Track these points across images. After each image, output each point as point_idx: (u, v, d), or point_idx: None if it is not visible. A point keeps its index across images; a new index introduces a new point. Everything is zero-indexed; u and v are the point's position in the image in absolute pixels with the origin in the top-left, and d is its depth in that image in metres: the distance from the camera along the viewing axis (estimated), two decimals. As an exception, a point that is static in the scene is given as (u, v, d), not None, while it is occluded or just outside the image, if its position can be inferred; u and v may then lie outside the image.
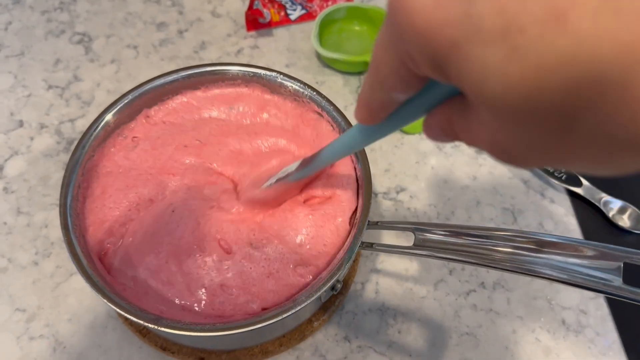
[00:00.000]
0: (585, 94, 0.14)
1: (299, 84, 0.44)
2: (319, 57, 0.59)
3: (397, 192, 0.51)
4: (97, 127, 0.41)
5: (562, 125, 0.15)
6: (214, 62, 0.58)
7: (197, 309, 0.36)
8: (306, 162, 0.36)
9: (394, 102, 0.22)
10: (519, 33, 0.14)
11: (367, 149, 0.49)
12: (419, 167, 0.53)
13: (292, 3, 0.63)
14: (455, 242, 0.36)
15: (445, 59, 0.17)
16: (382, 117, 0.24)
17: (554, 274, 0.33)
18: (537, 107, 0.15)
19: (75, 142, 0.53)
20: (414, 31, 0.17)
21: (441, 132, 0.22)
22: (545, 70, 0.14)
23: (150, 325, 0.33)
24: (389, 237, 0.48)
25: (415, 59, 0.18)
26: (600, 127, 0.14)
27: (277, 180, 0.38)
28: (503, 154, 0.18)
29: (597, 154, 0.15)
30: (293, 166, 0.37)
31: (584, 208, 0.50)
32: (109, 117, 0.41)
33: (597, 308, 0.46)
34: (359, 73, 0.59)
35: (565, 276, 0.32)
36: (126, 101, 0.42)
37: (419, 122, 0.54)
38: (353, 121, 0.44)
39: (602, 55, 0.13)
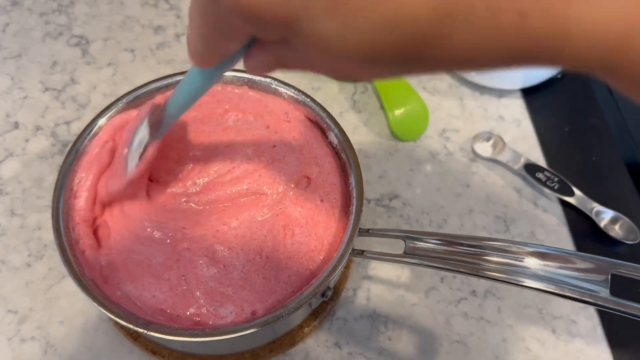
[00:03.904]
0: (409, 46, 0.17)
1: (293, 91, 0.44)
2: (315, 63, 0.60)
3: (390, 199, 0.51)
4: (91, 130, 0.41)
5: (396, 63, 0.19)
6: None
7: (184, 314, 0.36)
8: (156, 124, 0.35)
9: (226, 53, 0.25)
10: (345, 5, 0.17)
11: (361, 156, 0.49)
12: (412, 175, 0.53)
13: (290, 9, 0.63)
14: (446, 250, 0.36)
15: (282, 33, 0.20)
16: (217, 62, 0.26)
17: (543, 285, 0.33)
18: (373, 58, 0.18)
19: (70, 145, 0.53)
20: (246, 12, 0.19)
21: (266, 68, 0.24)
22: (377, 33, 0.17)
23: (140, 330, 0.33)
24: (380, 245, 0.48)
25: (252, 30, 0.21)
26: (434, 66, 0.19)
27: (141, 157, 0.35)
28: (341, 78, 0.22)
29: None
30: (144, 133, 0.35)
31: (576, 218, 0.51)
32: (102, 121, 0.41)
33: (588, 318, 0.46)
34: (355, 80, 0.59)
35: (553, 287, 0.33)
36: (120, 105, 0.42)
37: (412, 130, 0.54)
38: (347, 128, 0.45)
39: (420, 16, 0.16)
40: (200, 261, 0.37)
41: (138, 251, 0.37)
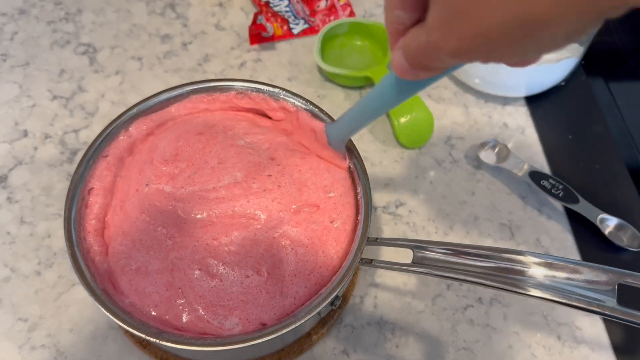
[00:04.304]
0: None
1: (301, 100, 0.44)
2: (320, 71, 0.60)
3: (397, 207, 0.52)
4: (101, 141, 0.41)
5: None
6: (218, 75, 0.59)
7: (187, 326, 0.36)
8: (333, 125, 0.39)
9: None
10: None
11: (367, 164, 0.49)
12: (418, 182, 0.53)
13: (295, 17, 0.63)
14: (453, 260, 0.36)
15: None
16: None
17: (550, 294, 0.33)
18: None
19: (79, 153, 0.53)
20: None
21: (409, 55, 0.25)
22: None
23: (151, 339, 0.34)
24: (388, 253, 0.49)
25: None
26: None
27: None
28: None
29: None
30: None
31: (581, 225, 0.51)
32: (113, 130, 0.42)
33: (593, 325, 0.47)
34: (360, 87, 0.59)
35: (560, 296, 0.33)
36: (131, 115, 0.43)
37: (418, 138, 0.54)
38: (353, 136, 0.45)
39: None
40: (195, 274, 0.37)
41: (135, 257, 0.38)
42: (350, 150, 0.42)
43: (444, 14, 0.21)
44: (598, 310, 0.32)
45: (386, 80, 0.31)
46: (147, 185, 0.40)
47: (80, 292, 0.46)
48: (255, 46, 0.62)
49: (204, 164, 0.40)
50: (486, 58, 0.21)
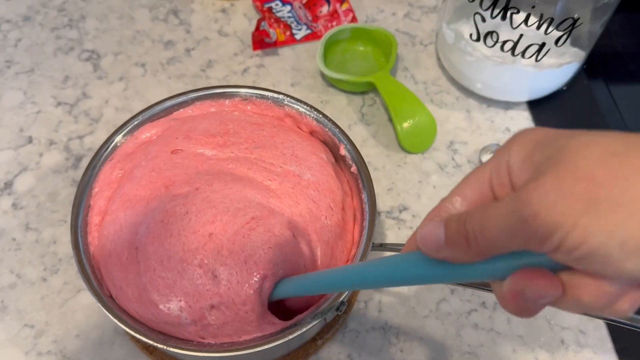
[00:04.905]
0: None
1: (304, 107, 0.45)
2: (323, 76, 0.60)
3: (400, 211, 0.52)
4: (107, 148, 0.42)
5: None
6: (221, 81, 0.60)
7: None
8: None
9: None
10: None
11: (370, 169, 0.50)
12: (421, 187, 0.54)
13: (298, 23, 0.64)
14: (458, 265, 0.37)
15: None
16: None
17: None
18: None
19: (84, 159, 0.54)
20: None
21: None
22: None
23: (158, 345, 0.34)
24: (391, 257, 0.49)
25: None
26: None
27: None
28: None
29: None
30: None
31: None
32: (118, 138, 0.42)
33: (596, 328, 0.47)
34: (362, 93, 0.60)
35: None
36: (136, 122, 0.43)
37: (420, 142, 0.54)
38: (356, 140, 0.45)
39: None
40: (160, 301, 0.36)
41: (118, 221, 0.38)
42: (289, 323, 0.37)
43: (556, 182, 0.19)
44: (602, 315, 0.33)
45: (388, 260, 0.26)
46: (180, 150, 0.40)
47: (86, 298, 0.46)
48: (259, 52, 0.62)
49: (270, 145, 0.42)
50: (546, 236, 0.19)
